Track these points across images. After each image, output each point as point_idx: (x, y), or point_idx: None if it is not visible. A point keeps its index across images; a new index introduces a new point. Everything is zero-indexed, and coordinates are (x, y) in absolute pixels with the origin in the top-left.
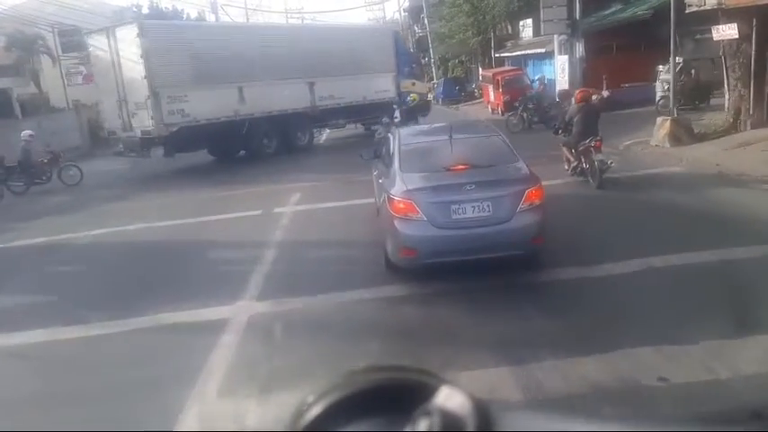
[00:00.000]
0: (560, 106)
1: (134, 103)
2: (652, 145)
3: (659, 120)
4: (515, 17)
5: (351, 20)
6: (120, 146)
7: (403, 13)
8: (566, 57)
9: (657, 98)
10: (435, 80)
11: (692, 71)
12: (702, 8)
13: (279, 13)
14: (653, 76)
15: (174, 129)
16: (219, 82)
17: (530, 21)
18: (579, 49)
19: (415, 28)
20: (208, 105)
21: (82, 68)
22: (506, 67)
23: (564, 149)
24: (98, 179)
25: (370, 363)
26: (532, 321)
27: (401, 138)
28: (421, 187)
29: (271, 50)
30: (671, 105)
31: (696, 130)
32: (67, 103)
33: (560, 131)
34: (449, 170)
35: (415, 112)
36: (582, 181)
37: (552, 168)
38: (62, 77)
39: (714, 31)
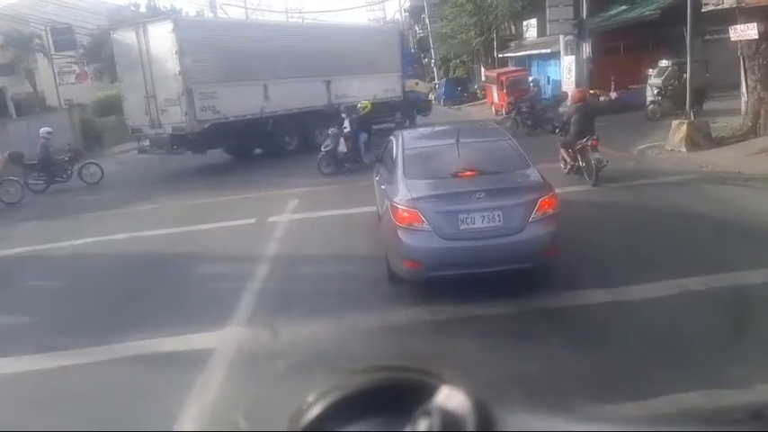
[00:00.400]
0: (556, 109)
1: (165, 100)
2: (667, 149)
3: (675, 123)
4: (519, 17)
5: (350, 20)
6: (146, 142)
7: (403, 14)
8: (572, 57)
9: (647, 103)
10: (437, 80)
11: (684, 75)
12: (720, 7)
13: (279, 13)
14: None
15: (206, 125)
16: (247, 79)
17: (534, 20)
18: (586, 49)
19: (416, 28)
20: (236, 102)
21: (74, 67)
22: (511, 68)
23: (561, 150)
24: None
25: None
26: (558, 357)
27: (404, 141)
28: (426, 195)
29: (292, 48)
30: (687, 108)
31: (713, 135)
32: (59, 102)
33: (558, 131)
34: (456, 177)
35: (369, 121)
36: (579, 180)
37: (549, 171)
38: (54, 76)
39: (732, 31)
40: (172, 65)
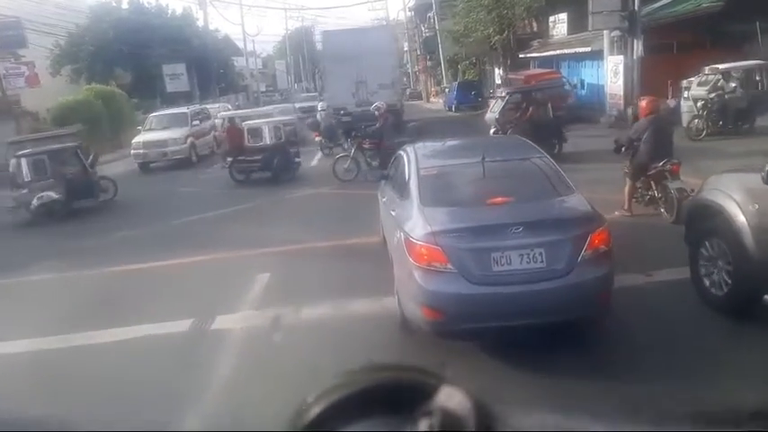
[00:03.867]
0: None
1: (377, 84)
2: None
3: None
4: (543, 12)
5: (350, 19)
6: (348, 118)
7: (408, 12)
8: (619, 57)
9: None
10: (445, 83)
11: (531, 106)
12: None
13: (277, 9)
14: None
15: (400, 105)
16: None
17: (564, 15)
18: (638, 47)
19: (422, 28)
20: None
21: (23, 69)
22: (539, 70)
23: (628, 183)
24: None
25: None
26: None
27: (418, 158)
28: (450, 229)
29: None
30: None
31: None
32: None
33: (624, 149)
34: (485, 205)
35: None
36: (653, 215)
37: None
38: (0, 79)
39: None
40: (389, 59)
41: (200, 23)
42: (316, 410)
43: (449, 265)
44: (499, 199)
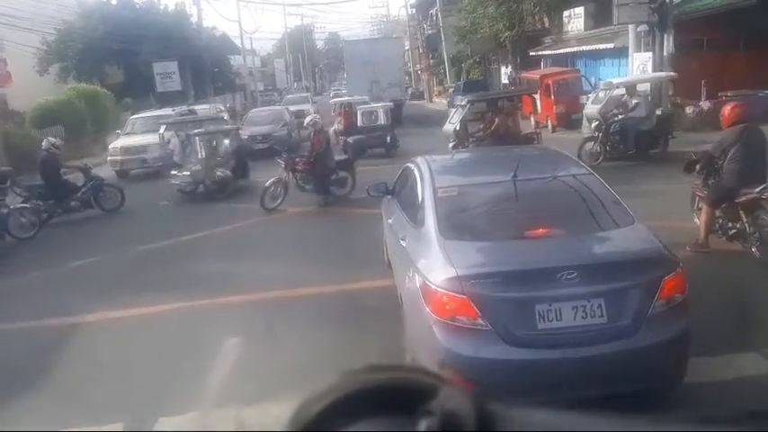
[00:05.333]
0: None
1: (387, 83)
2: None
3: None
4: (556, 6)
5: (350, 14)
6: None
7: (410, 9)
8: (647, 54)
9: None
10: (448, 82)
11: (496, 117)
12: None
13: (276, 5)
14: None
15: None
16: None
17: (580, 10)
18: (668, 43)
19: (424, 25)
20: None
21: None
22: (556, 68)
23: (705, 211)
24: None
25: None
26: None
27: (433, 174)
28: (482, 273)
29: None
30: None
31: None
32: None
33: (698, 168)
34: (525, 239)
35: None
36: (739, 252)
37: None
38: None
39: None
40: (398, 62)
41: (194, 20)
42: (315, 410)
43: (480, 321)
44: (541, 231)
